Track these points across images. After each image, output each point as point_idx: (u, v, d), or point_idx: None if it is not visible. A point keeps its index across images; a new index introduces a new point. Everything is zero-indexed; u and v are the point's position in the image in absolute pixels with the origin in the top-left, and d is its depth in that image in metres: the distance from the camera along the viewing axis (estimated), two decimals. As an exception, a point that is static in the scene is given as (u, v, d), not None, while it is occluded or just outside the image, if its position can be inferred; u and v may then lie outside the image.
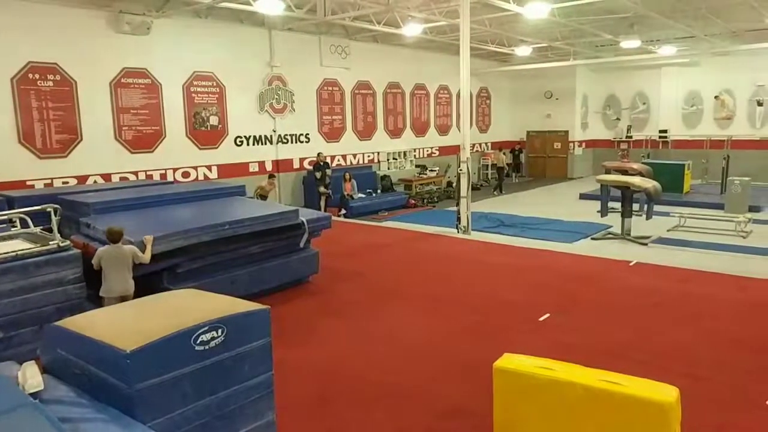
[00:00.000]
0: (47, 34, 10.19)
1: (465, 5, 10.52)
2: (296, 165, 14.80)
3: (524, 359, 3.65)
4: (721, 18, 13.73)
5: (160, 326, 3.04)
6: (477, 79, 19.73)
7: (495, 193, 18.04)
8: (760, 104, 18.53)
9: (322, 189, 13.87)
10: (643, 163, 14.58)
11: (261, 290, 7.00)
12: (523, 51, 17.62)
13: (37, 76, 10.19)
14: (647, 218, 10.83)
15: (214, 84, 12.82)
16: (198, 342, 3.06)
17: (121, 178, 11.15)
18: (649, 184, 10.51)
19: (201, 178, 12.72)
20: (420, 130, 18.69)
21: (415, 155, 18.30)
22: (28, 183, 10.07)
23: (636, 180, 10.80)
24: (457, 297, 7.36)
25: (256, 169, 13.67)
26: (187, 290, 4.17)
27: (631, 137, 20.79)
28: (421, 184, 17.29)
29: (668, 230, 11.51)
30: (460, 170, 11.17)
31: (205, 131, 12.76)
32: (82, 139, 10.83)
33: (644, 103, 20.98)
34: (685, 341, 5.76)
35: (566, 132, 21.88)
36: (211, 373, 3.13)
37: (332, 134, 15.74)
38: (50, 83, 10.34)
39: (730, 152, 16.29)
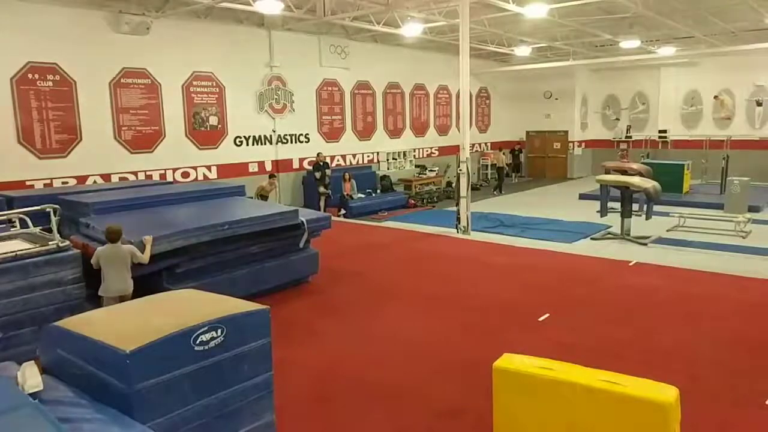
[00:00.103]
0: (47, 34, 10.19)
1: (465, 5, 10.52)
2: (296, 165, 14.80)
3: (524, 359, 3.66)
4: (720, 18, 13.73)
5: (160, 326, 3.04)
6: (476, 79, 19.73)
7: (495, 193, 18.04)
8: (759, 104, 18.53)
9: (321, 189, 13.86)
10: (642, 163, 14.58)
11: (261, 290, 7.00)
12: (522, 51, 17.62)
13: (36, 76, 10.19)
14: (647, 218, 10.83)
15: (214, 84, 12.82)
16: (198, 342, 3.06)
17: (121, 178, 11.14)
18: (649, 184, 10.52)
19: (200, 178, 12.72)
20: (420, 130, 18.69)
21: (414, 155, 18.29)
22: (27, 183, 10.06)
23: (635, 180, 10.80)
24: (456, 297, 7.36)
25: (256, 169, 13.67)
26: (186, 290, 4.18)
27: (630, 137, 20.78)
28: (421, 184, 17.28)
29: (668, 230, 11.51)
30: (460, 170, 11.17)
31: (204, 131, 12.76)
32: (81, 139, 10.82)
33: (644, 103, 20.98)
34: (685, 341, 5.76)
35: (566, 132, 21.88)
36: (211, 373, 3.13)
37: (332, 134, 15.74)
38: (50, 83, 10.34)
39: (730, 152, 16.30)
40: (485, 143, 21.61)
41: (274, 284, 7.43)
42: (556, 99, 21.73)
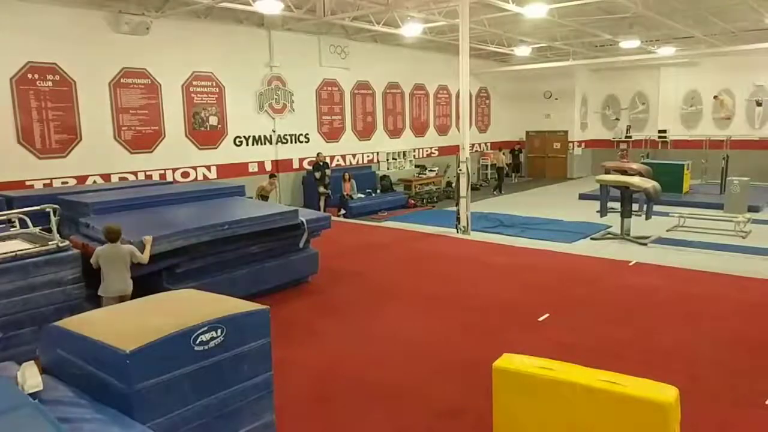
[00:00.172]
0: (46, 34, 10.19)
1: (465, 5, 10.52)
2: (296, 165, 14.80)
3: (523, 359, 3.65)
4: (720, 18, 13.73)
5: (160, 326, 3.03)
6: (476, 79, 19.72)
7: (494, 193, 18.05)
8: (759, 104, 18.54)
9: (321, 189, 13.86)
10: (642, 163, 14.59)
11: (260, 290, 6.99)
12: (522, 51, 17.62)
13: (36, 76, 10.18)
14: (647, 218, 10.83)
15: (214, 84, 12.82)
16: (197, 342, 3.06)
17: (121, 179, 11.14)
18: (649, 184, 10.52)
19: (200, 178, 12.72)
20: (419, 130, 18.69)
21: (414, 155, 18.29)
22: (27, 183, 10.06)
23: (635, 180, 10.80)
24: (456, 297, 7.35)
25: (256, 169, 13.67)
26: (186, 290, 4.18)
27: (630, 137, 20.79)
28: (421, 184, 17.28)
29: (667, 230, 11.51)
30: (460, 170, 11.17)
31: (204, 131, 12.76)
32: (81, 139, 10.82)
33: (643, 103, 20.99)
34: (685, 341, 5.76)
35: (566, 132, 21.89)
36: (211, 374, 3.13)
37: (332, 134, 15.74)
38: (49, 83, 10.34)
39: (729, 152, 16.31)
40: (485, 143, 21.61)
41: (274, 284, 7.43)
42: (556, 99, 21.74)
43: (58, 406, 2.75)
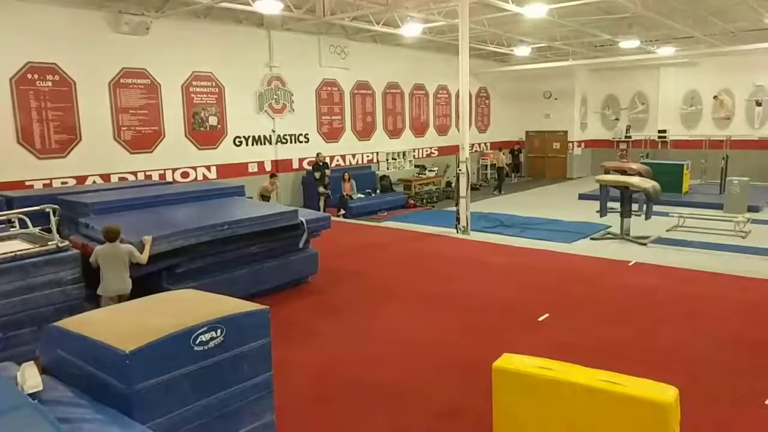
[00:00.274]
0: (46, 34, 10.18)
1: (464, 5, 10.52)
2: (295, 165, 14.80)
3: (523, 359, 3.65)
4: (720, 18, 13.74)
5: (160, 326, 3.03)
6: (476, 79, 19.72)
7: (494, 193, 18.05)
8: (758, 104, 18.54)
9: (321, 189, 13.86)
10: (642, 163, 14.60)
11: (260, 290, 6.99)
12: (522, 51, 17.63)
13: (36, 76, 10.18)
14: (646, 218, 10.84)
15: (213, 84, 12.82)
16: (197, 342, 3.05)
17: (120, 179, 11.14)
18: (648, 184, 10.52)
19: (200, 178, 12.71)
20: (419, 130, 18.69)
21: (414, 155, 18.29)
22: (27, 183, 10.06)
23: (635, 180, 10.81)
24: (456, 297, 7.35)
25: (256, 170, 13.67)
26: (186, 290, 4.17)
27: (630, 137, 20.80)
28: (421, 184, 17.28)
29: (667, 230, 11.52)
30: (460, 170, 11.17)
31: (204, 131, 12.76)
32: (81, 140, 10.82)
33: (643, 103, 20.99)
34: (685, 341, 5.76)
35: (565, 132, 21.89)
36: (211, 374, 3.13)
37: (331, 134, 15.74)
38: (49, 83, 10.34)
39: (729, 152, 16.32)
40: (485, 143, 21.62)
41: (273, 284, 7.42)
42: (556, 99, 21.74)
43: (58, 406, 2.75)
